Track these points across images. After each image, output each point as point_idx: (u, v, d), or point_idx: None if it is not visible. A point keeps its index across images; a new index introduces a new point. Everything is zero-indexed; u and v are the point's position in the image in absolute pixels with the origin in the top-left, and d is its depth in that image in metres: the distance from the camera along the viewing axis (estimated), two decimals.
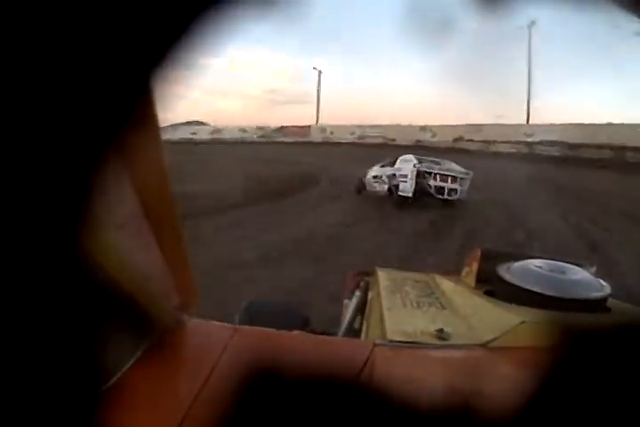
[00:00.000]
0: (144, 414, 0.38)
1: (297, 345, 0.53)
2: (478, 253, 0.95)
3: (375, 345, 0.52)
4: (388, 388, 0.36)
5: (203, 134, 23.24)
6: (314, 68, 25.07)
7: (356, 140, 20.12)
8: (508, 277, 0.75)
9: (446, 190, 8.03)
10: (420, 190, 7.92)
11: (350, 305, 1.18)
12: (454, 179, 8.15)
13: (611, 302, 0.72)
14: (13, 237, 0.24)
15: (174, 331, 0.50)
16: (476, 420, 0.32)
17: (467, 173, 8.36)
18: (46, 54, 0.22)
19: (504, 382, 0.37)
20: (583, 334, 0.37)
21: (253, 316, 1.21)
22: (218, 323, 0.56)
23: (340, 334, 1.11)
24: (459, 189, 8.11)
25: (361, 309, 1.12)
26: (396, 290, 0.96)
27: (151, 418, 0.39)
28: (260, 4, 0.24)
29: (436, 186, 8.03)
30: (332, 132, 21.78)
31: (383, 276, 1.10)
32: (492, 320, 0.66)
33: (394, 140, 19.15)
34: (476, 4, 0.24)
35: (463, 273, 1.00)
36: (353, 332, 1.10)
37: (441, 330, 0.65)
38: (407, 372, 0.47)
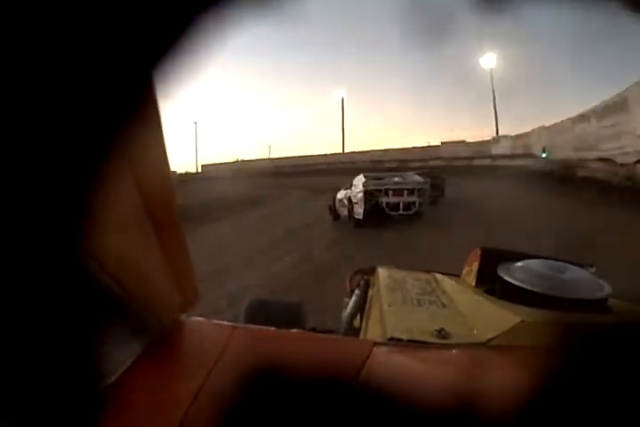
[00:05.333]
0: (144, 413, 0.39)
1: (296, 344, 0.53)
2: (479, 252, 0.95)
3: (375, 344, 0.52)
4: (387, 387, 0.36)
5: None
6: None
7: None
8: (508, 276, 0.75)
9: (401, 205, 7.97)
10: (373, 210, 7.78)
11: (350, 303, 1.18)
12: (411, 191, 8.04)
13: (611, 302, 0.72)
14: (15, 237, 0.24)
15: (174, 330, 0.50)
16: (475, 419, 0.32)
17: (424, 183, 8.21)
18: (49, 56, 0.22)
19: (504, 382, 0.37)
20: (583, 334, 0.37)
21: (257, 314, 1.21)
22: (218, 322, 0.57)
23: (340, 332, 1.11)
24: (417, 202, 8.01)
25: (361, 307, 1.12)
26: (397, 288, 0.96)
27: (151, 417, 0.39)
28: (260, 5, 0.24)
29: (388, 203, 7.94)
30: None
31: (383, 274, 1.10)
32: (492, 319, 0.66)
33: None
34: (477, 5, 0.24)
35: (464, 272, 1.00)
36: (353, 330, 1.10)
37: (441, 329, 0.65)
38: (407, 371, 0.47)
